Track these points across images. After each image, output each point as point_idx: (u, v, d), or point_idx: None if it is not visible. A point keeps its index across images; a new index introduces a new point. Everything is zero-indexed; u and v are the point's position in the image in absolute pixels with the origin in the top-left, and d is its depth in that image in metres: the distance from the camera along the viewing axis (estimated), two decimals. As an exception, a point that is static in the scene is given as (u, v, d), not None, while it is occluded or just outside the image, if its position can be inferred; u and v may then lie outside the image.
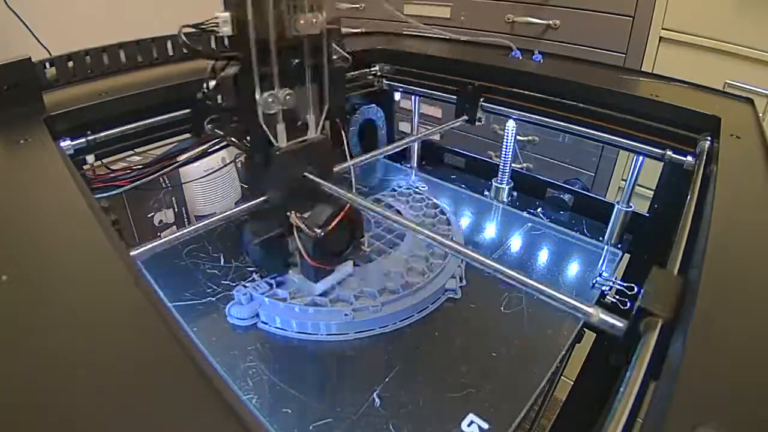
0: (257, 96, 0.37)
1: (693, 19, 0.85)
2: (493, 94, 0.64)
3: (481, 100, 0.64)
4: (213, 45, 0.51)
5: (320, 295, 0.45)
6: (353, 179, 0.48)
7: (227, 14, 0.35)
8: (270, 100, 0.37)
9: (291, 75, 0.38)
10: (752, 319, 0.22)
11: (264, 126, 0.38)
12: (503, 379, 0.40)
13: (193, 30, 0.38)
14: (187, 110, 0.51)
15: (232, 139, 0.42)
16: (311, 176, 0.42)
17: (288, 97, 0.38)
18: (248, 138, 0.42)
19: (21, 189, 0.30)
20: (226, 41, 0.37)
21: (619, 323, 0.28)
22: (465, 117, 0.65)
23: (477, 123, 0.66)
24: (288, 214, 0.42)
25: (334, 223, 0.41)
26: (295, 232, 0.42)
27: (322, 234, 0.41)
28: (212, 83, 0.38)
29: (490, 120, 0.68)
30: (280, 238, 0.44)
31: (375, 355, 0.42)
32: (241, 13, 0.34)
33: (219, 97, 0.39)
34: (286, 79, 0.38)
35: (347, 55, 0.42)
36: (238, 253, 0.54)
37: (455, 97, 0.66)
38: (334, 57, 0.41)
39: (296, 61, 0.38)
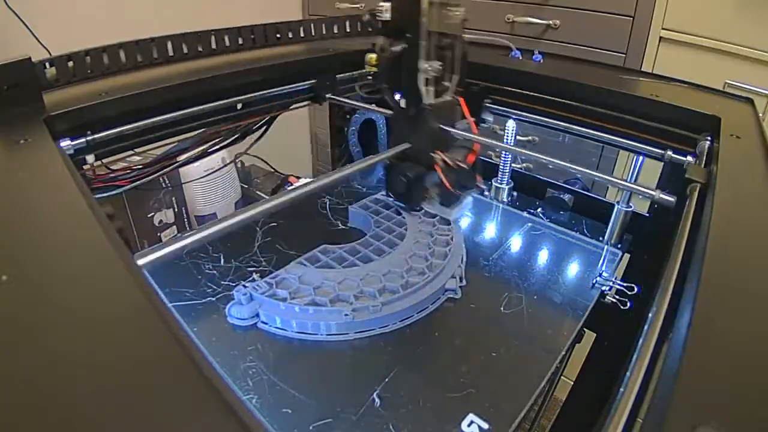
0: (421, 64, 0.51)
1: (693, 19, 0.85)
2: (493, 94, 0.64)
3: (487, 101, 0.66)
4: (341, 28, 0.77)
5: (319, 295, 0.45)
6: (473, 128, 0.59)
7: (389, 4, 0.51)
8: (428, 67, 0.51)
9: (439, 52, 0.52)
10: (752, 319, 0.22)
11: (421, 86, 0.52)
12: (503, 379, 0.40)
13: (370, 14, 0.53)
14: (194, 108, 0.55)
15: (387, 96, 0.57)
16: (446, 127, 0.56)
17: (439, 66, 0.52)
18: (398, 98, 0.57)
19: (21, 189, 0.30)
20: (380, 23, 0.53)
21: (670, 198, 0.43)
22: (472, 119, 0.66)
23: (482, 124, 0.66)
24: (432, 154, 0.55)
25: (471, 160, 0.56)
26: (440, 167, 0.55)
27: (464, 166, 0.55)
28: (372, 55, 0.62)
29: (490, 120, 0.68)
30: (421, 176, 0.57)
31: (375, 355, 0.42)
32: (399, 4, 0.50)
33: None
34: (436, 54, 0.52)
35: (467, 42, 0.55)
36: (238, 253, 0.54)
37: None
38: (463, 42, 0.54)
39: (446, 41, 0.52)
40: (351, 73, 0.71)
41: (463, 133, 0.56)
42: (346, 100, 0.70)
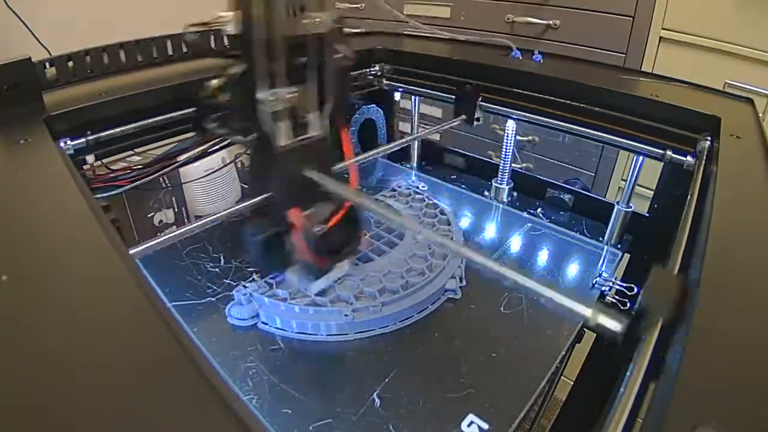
0: (260, 94, 0.37)
1: (693, 19, 0.85)
2: (492, 94, 0.64)
3: (480, 99, 0.64)
4: (213, 45, 0.51)
5: (319, 294, 0.45)
6: (353, 174, 0.46)
7: (233, 13, 0.36)
8: (273, 98, 0.37)
9: (294, 73, 0.39)
10: (752, 319, 0.22)
11: (266, 124, 0.39)
12: (503, 379, 0.40)
13: (198, 30, 0.39)
14: (190, 109, 0.51)
15: (238, 137, 0.42)
16: (312, 174, 0.42)
17: (291, 95, 0.38)
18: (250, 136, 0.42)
19: (21, 189, 0.30)
20: (226, 41, 0.37)
21: (617, 325, 0.27)
22: (463, 116, 0.66)
23: (476, 123, 0.66)
24: (286, 213, 0.42)
25: (335, 220, 0.42)
26: (296, 230, 0.42)
27: (323, 231, 0.41)
28: (214, 82, 0.39)
29: (490, 120, 0.68)
30: (279, 236, 0.44)
31: (375, 356, 0.42)
32: (246, 12, 0.35)
33: (219, 96, 0.39)
34: (289, 77, 0.38)
35: (349, 55, 0.42)
36: (238, 253, 0.54)
37: (454, 96, 0.66)
38: (338, 56, 0.41)
39: (301, 59, 0.39)
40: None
41: (336, 185, 0.42)
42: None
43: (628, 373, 0.24)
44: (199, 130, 0.53)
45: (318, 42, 0.39)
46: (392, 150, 0.62)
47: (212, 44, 0.51)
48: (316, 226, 0.41)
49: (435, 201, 0.63)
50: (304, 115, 0.41)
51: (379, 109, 0.81)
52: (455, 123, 0.66)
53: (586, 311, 0.28)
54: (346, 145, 0.46)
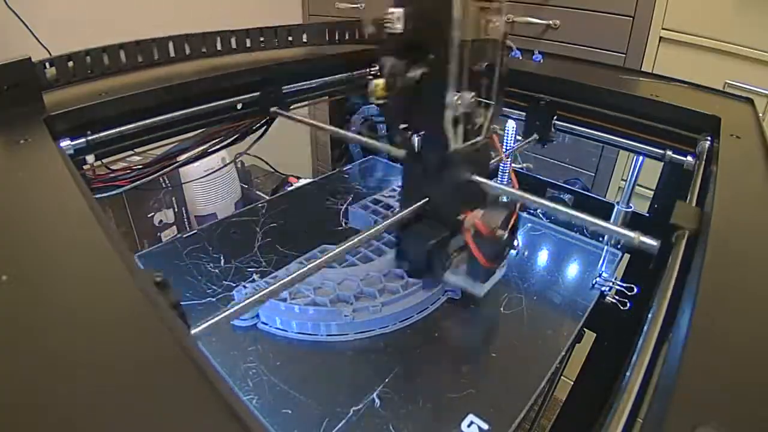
0: (448, 98, 0.36)
1: (693, 19, 0.85)
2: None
3: (555, 117, 0.60)
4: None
5: (319, 295, 0.45)
6: (513, 175, 0.50)
7: (401, 10, 0.35)
8: (459, 102, 0.37)
9: (473, 78, 0.38)
10: (752, 319, 0.22)
11: (448, 127, 0.38)
12: (503, 379, 0.40)
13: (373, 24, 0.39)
14: (192, 108, 0.52)
15: (398, 135, 0.43)
16: (479, 178, 0.43)
17: (472, 99, 0.38)
18: (413, 140, 0.42)
19: (21, 189, 0.30)
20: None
21: (653, 242, 0.34)
22: (535, 136, 0.62)
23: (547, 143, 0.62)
24: (461, 216, 0.42)
25: (511, 223, 0.42)
26: (469, 233, 0.42)
27: (505, 234, 0.41)
28: (379, 82, 0.39)
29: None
30: (443, 243, 0.43)
31: (375, 356, 0.42)
32: (418, 10, 0.35)
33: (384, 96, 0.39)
34: (471, 82, 0.38)
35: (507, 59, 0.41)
36: (238, 254, 0.54)
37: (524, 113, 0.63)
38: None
39: (485, 64, 0.39)
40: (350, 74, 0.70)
41: (503, 188, 0.43)
42: (292, 115, 0.61)
43: (628, 373, 0.24)
44: (263, 111, 0.56)
45: (494, 47, 0.38)
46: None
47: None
48: (498, 231, 0.40)
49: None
50: (475, 120, 0.41)
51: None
52: (528, 143, 0.61)
53: (630, 233, 0.35)
54: (498, 148, 0.48)
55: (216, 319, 0.30)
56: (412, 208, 0.42)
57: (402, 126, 0.41)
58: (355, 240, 0.38)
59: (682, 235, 0.32)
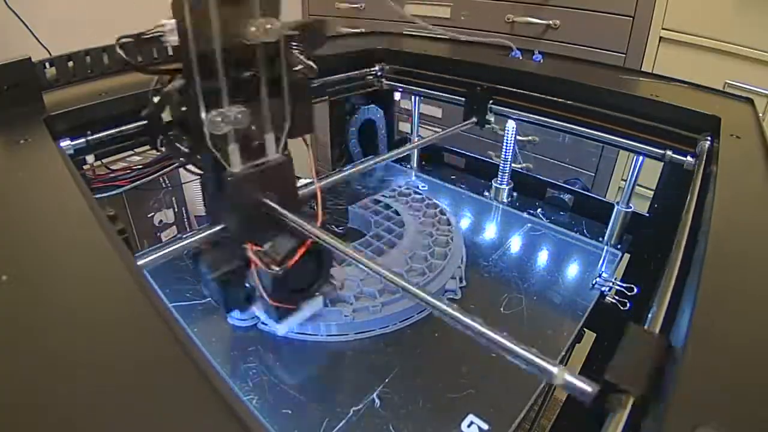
0: (202, 115, 0.32)
1: (693, 19, 0.85)
2: (493, 94, 0.64)
3: (491, 102, 0.64)
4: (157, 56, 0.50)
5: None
6: (319, 205, 0.39)
7: (173, 21, 0.31)
8: (218, 119, 0.32)
9: (243, 89, 0.33)
10: (752, 320, 0.22)
11: (212, 148, 0.33)
12: (503, 379, 0.40)
13: (131, 40, 0.34)
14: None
15: (188, 163, 0.37)
16: (270, 203, 0.37)
17: (239, 115, 0.32)
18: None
19: (21, 189, 0.30)
20: (170, 51, 0.33)
21: (588, 388, 0.23)
22: (474, 119, 0.65)
23: (486, 126, 0.65)
24: (244, 246, 0.36)
25: (296, 258, 0.36)
26: (253, 268, 0.37)
27: (282, 271, 0.36)
28: (155, 99, 0.34)
29: (492, 121, 0.68)
30: (239, 272, 0.38)
31: (375, 356, 0.42)
32: (179, 18, 0.30)
33: (162, 115, 0.34)
34: (237, 94, 0.33)
35: (313, 65, 0.36)
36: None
37: (460, 98, 0.66)
38: (299, 67, 0.35)
39: (248, 73, 0.33)
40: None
41: (290, 217, 0.36)
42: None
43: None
44: (153, 144, 0.46)
45: (270, 53, 0.33)
46: (397, 156, 0.62)
47: (155, 56, 0.49)
48: (274, 265, 0.35)
49: (435, 201, 0.63)
50: (259, 137, 0.35)
51: (379, 109, 0.81)
52: (466, 126, 0.65)
53: (553, 369, 0.24)
54: (314, 173, 0.42)
55: (162, 252, 0.33)
56: (203, 234, 0.37)
57: (186, 149, 0.36)
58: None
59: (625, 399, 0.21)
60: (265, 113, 0.35)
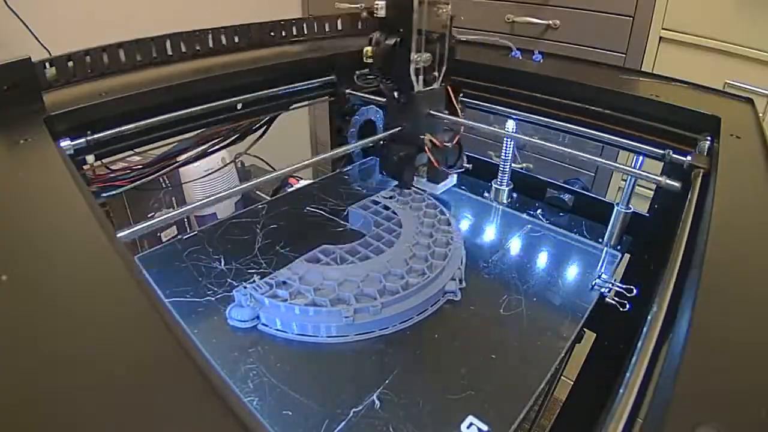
0: (412, 55, 0.58)
1: (693, 19, 0.85)
2: (493, 94, 0.64)
3: (461, 95, 0.72)
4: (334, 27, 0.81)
5: (319, 296, 0.45)
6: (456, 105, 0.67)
7: (384, 2, 0.58)
8: (418, 58, 0.59)
9: (428, 45, 0.59)
10: (752, 319, 0.22)
11: (412, 74, 0.60)
12: (503, 380, 0.40)
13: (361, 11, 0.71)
14: (190, 109, 0.55)
15: (383, 84, 0.64)
16: (434, 112, 0.64)
17: (427, 58, 0.60)
18: (394, 86, 0.63)
19: (21, 189, 0.30)
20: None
21: (676, 183, 0.46)
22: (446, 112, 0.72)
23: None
24: (422, 136, 0.63)
25: (455, 140, 0.66)
26: (428, 148, 0.63)
27: (450, 146, 0.64)
28: (368, 48, 0.61)
29: (490, 120, 0.68)
30: (412, 156, 0.65)
31: (375, 357, 0.42)
32: (393, 2, 0.58)
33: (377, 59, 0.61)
34: (426, 48, 0.59)
35: (458, 37, 0.64)
36: (238, 255, 0.54)
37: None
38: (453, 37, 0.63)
39: (435, 36, 0.60)
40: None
41: (450, 117, 0.64)
42: (362, 95, 0.75)
43: (628, 373, 0.24)
44: (338, 93, 0.74)
45: (444, 25, 0.60)
46: (371, 143, 0.70)
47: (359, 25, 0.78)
48: (446, 143, 0.64)
49: (435, 202, 0.63)
50: (432, 74, 0.63)
51: (379, 109, 0.81)
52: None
53: (659, 178, 0.47)
54: (452, 95, 0.67)
55: (141, 225, 0.37)
56: (389, 132, 0.65)
57: (383, 76, 0.63)
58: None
59: (697, 176, 0.40)
60: (437, 60, 0.62)
